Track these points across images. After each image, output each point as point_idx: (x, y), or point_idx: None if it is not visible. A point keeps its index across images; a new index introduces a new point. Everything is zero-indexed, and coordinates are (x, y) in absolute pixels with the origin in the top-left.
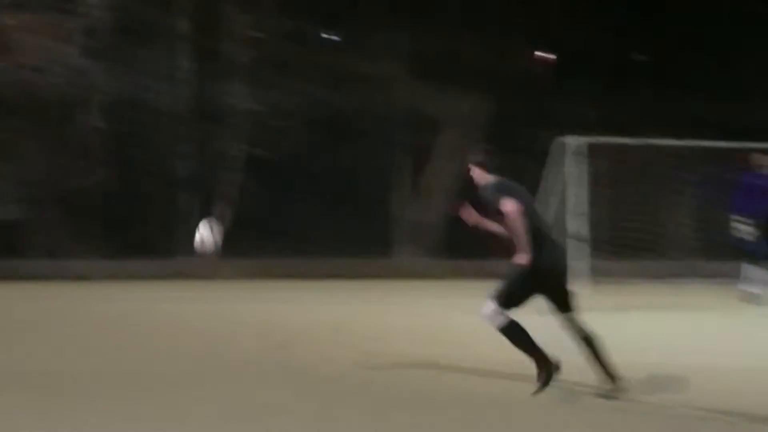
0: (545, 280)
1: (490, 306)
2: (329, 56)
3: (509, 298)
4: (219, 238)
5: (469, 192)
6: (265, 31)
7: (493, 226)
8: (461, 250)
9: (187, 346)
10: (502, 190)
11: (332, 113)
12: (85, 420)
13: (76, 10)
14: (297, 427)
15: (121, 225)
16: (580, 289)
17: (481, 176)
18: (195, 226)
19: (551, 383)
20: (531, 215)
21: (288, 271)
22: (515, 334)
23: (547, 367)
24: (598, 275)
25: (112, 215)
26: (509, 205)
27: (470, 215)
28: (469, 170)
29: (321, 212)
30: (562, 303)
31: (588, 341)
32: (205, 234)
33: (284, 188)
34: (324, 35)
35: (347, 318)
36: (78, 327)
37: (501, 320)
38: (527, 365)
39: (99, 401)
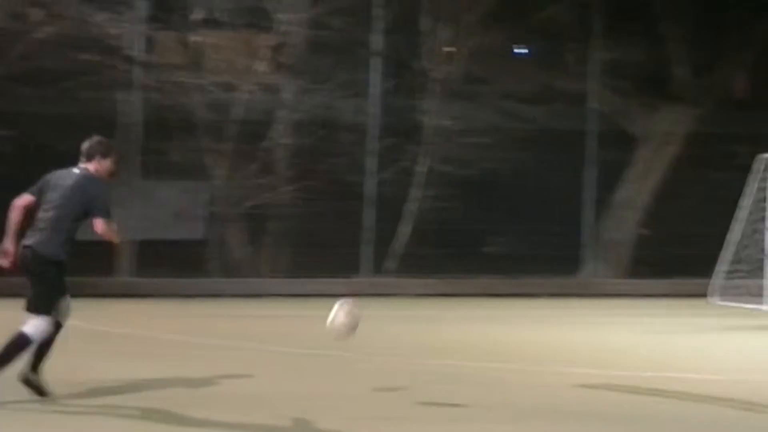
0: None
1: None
2: (524, 71)
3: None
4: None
5: None
6: (461, 47)
7: None
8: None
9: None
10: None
11: (526, 128)
12: None
13: (268, 26)
14: None
15: (305, 243)
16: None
17: None
18: (381, 243)
19: None
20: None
21: (475, 288)
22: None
23: None
24: None
25: (297, 233)
26: None
27: None
28: None
29: (510, 228)
30: None
31: None
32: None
33: (475, 204)
34: (517, 49)
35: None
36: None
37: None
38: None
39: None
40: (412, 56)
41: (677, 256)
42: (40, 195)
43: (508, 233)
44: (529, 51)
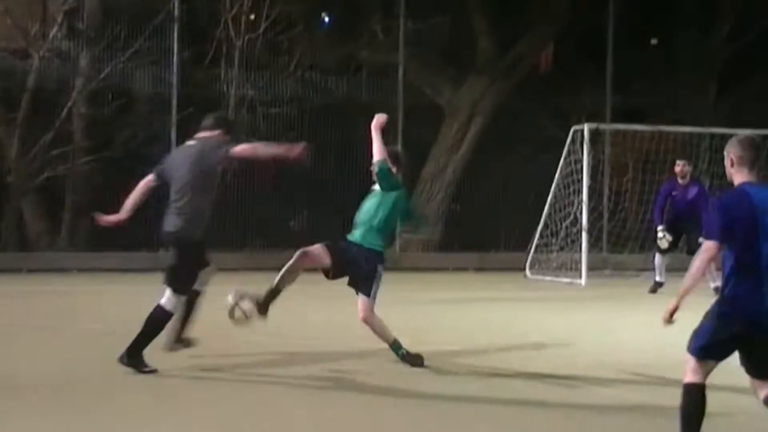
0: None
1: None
2: (328, 41)
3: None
4: None
5: None
6: (261, 14)
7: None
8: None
9: None
10: None
11: (329, 101)
12: None
13: None
14: None
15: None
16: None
17: None
18: None
19: None
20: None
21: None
22: None
23: None
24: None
25: (95, 206)
26: None
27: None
28: None
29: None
30: None
31: None
32: None
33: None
34: (323, 19)
35: None
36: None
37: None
38: None
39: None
40: (213, 24)
41: (490, 231)
42: (160, 177)
43: (317, 210)
44: (331, 21)
